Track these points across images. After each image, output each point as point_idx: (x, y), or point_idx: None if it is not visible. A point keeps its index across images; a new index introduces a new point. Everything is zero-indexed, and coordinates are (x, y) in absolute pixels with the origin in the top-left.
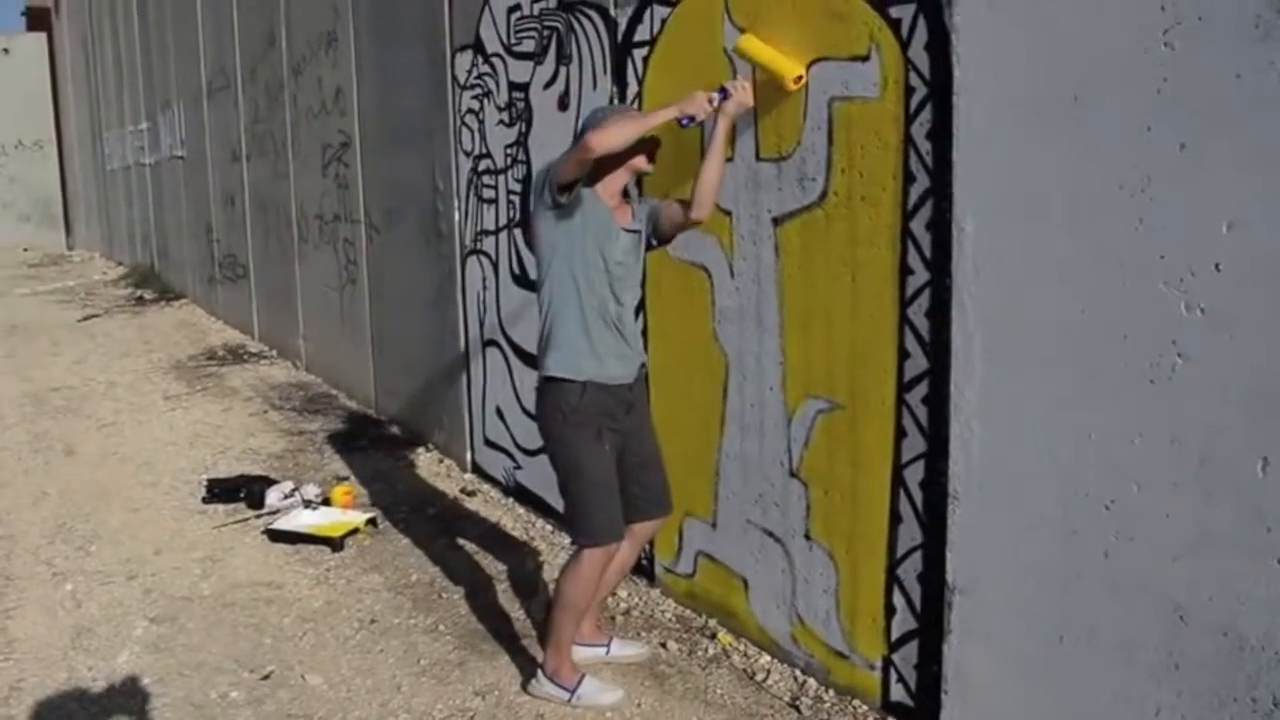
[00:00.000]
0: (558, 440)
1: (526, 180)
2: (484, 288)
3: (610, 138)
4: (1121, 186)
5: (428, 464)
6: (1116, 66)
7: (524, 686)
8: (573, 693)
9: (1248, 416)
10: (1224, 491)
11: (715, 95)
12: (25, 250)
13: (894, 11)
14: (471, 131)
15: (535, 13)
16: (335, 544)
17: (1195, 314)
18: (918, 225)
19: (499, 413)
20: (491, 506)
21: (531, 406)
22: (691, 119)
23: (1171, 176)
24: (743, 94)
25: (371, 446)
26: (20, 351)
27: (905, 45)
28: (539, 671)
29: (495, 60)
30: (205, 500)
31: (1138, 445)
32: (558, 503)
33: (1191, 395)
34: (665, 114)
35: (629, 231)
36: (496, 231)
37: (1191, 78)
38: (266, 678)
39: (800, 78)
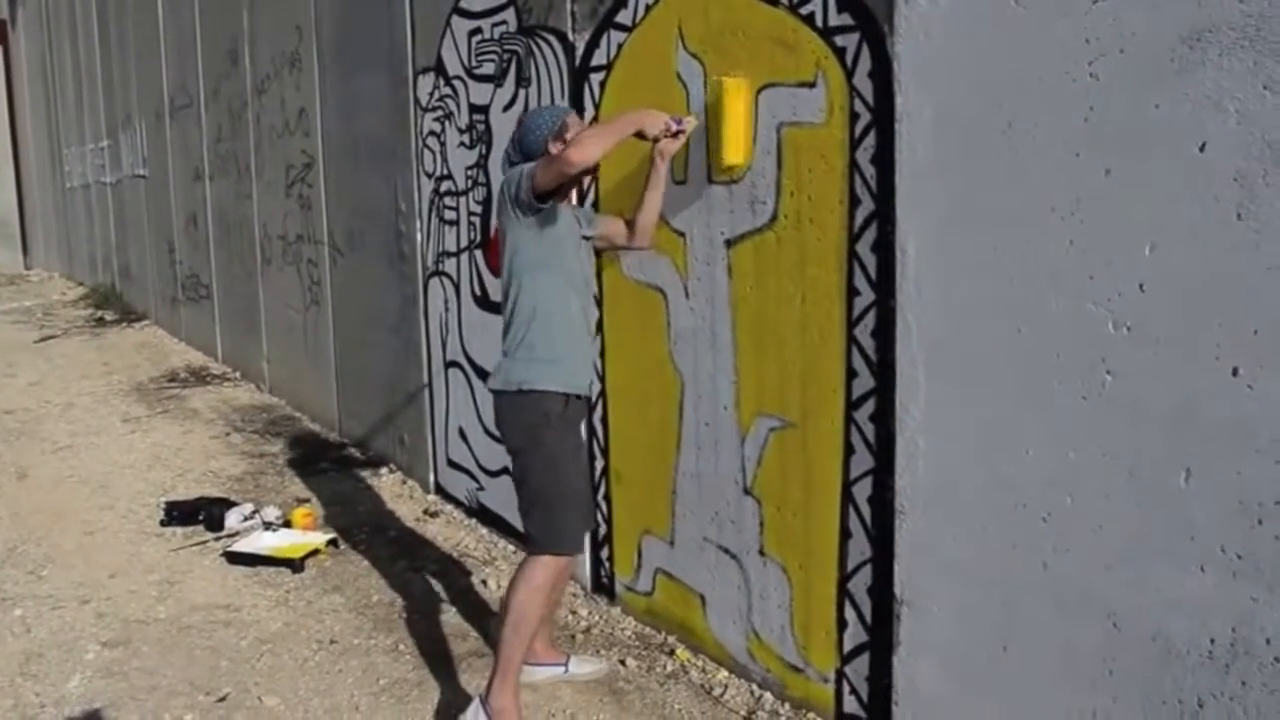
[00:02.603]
0: (540, 444)
1: (487, 201)
2: (446, 309)
3: (590, 151)
4: (1053, 209)
5: (391, 485)
6: (1046, 95)
7: (459, 715)
8: None
9: (1171, 430)
10: (1151, 502)
11: (673, 122)
12: None
13: (839, 40)
14: (433, 153)
15: (496, 36)
16: (295, 565)
17: (1122, 332)
18: (863, 247)
19: (461, 434)
20: (454, 527)
21: (494, 427)
22: (655, 139)
23: (1098, 200)
24: (685, 132)
25: (334, 468)
26: None
27: (850, 73)
28: (479, 702)
29: (456, 82)
30: (163, 523)
31: (1072, 459)
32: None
33: (1120, 410)
34: (629, 124)
35: (585, 238)
36: (458, 253)
37: (1115, 106)
38: (222, 700)
39: (732, 168)
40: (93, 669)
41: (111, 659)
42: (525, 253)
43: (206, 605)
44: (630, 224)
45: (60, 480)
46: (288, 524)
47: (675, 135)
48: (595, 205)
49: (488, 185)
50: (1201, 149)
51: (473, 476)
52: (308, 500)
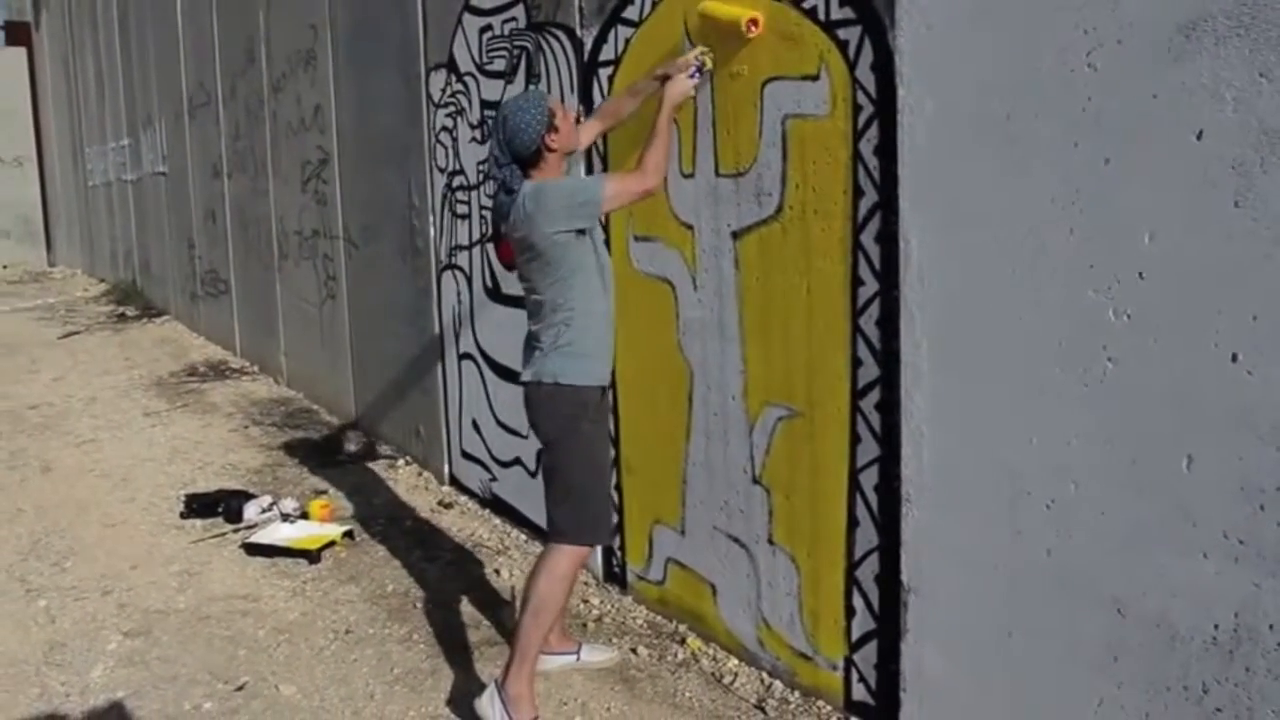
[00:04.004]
0: (578, 435)
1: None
2: (459, 302)
3: (662, 172)
4: (1053, 199)
5: (406, 477)
6: (1045, 85)
7: (475, 701)
8: None
9: (1172, 417)
10: (1154, 489)
11: (694, 69)
12: (5, 267)
13: (842, 33)
14: (446, 149)
15: (506, 32)
16: (312, 556)
17: (1122, 320)
18: (867, 238)
19: (475, 425)
20: (468, 518)
21: (507, 418)
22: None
23: (1097, 190)
24: (704, 70)
25: (351, 460)
26: None
27: (852, 65)
28: (495, 687)
29: (468, 79)
30: (183, 515)
31: (1075, 446)
32: (533, 513)
33: (1121, 397)
34: (670, 119)
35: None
36: (470, 247)
37: (1113, 97)
38: (240, 689)
39: (754, 21)
40: (115, 658)
41: (133, 648)
42: (565, 260)
43: (225, 596)
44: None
45: (83, 473)
46: (305, 516)
47: (694, 76)
48: (605, 165)
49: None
50: (1199, 137)
51: (486, 468)
52: (325, 492)
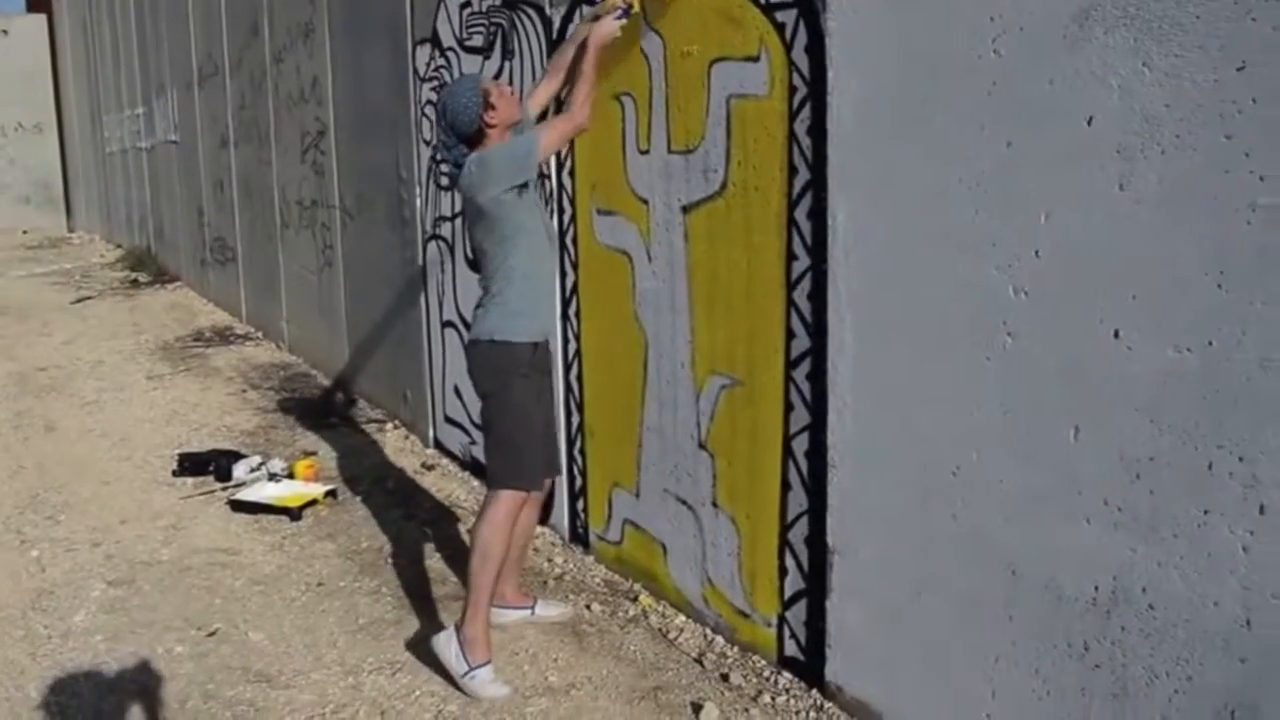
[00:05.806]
0: (509, 389)
1: None
2: (442, 272)
3: (590, 108)
4: (960, 180)
5: (394, 440)
6: (956, 70)
7: (433, 639)
8: (470, 670)
9: (1062, 389)
10: (1045, 457)
11: (620, 10)
12: (25, 232)
13: (779, 16)
14: (430, 122)
15: (483, 9)
16: (293, 514)
17: (1021, 297)
18: (800, 214)
19: (457, 391)
20: (448, 480)
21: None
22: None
23: (1000, 171)
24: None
25: (342, 423)
26: (10, 332)
27: (789, 47)
28: (453, 629)
29: (450, 54)
30: (175, 473)
31: (976, 416)
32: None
33: (1018, 370)
34: (597, 57)
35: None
36: (452, 218)
37: (1015, 82)
38: (212, 634)
39: None
40: (98, 605)
41: (116, 596)
42: (508, 220)
43: (207, 549)
44: (560, 99)
45: (84, 433)
46: (291, 475)
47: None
48: None
49: None
50: (1089, 123)
51: (466, 432)
52: (315, 453)
